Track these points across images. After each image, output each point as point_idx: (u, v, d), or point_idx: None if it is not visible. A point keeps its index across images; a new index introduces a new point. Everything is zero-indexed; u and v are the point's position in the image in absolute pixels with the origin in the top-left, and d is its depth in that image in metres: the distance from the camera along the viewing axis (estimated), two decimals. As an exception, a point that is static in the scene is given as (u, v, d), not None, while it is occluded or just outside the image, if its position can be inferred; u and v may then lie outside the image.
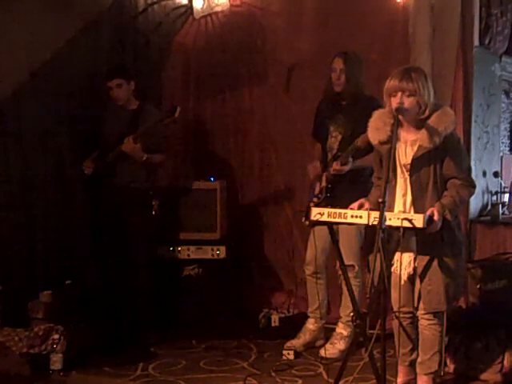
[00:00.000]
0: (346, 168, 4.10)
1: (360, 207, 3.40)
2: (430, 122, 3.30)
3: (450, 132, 3.31)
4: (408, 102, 3.27)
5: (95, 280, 4.81)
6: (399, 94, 3.27)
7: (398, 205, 3.41)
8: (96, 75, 4.94)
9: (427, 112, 3.30)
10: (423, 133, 3.30)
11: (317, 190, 4.27)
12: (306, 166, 4.51)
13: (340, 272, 4.26)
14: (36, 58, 4.61)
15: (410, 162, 3.36)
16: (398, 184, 3.42)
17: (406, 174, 3.39)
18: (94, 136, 4.81)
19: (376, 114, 3.45)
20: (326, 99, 4.40)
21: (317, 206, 4.06)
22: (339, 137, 4.29)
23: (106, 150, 4.67)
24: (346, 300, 4.35)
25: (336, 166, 4.12)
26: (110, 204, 4.68)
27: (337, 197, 4.08)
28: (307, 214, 4.13)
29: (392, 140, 3.21)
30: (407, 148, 3.38)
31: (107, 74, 4.68)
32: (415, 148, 3.35)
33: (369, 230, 3.29)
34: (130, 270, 4.65)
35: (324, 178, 4.22)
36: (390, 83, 3.30)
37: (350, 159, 4.08)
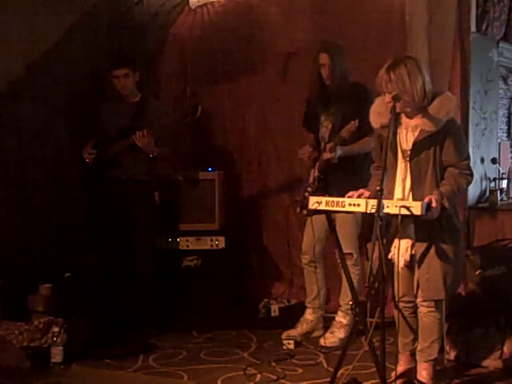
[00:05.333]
0: (335, 156, 4.10)
1: (359, 197, 3.38)
2: (432, 106, 3.30)
3: (451, 117, 3.31)
4: None
5: (95, 272, 4.81)
6: (386, 93, 3.29)
7: (398, 191, 3.40)
8: (92, 67, 4.94)
9: (416, 100, 3.28)
10: (425, 117, 3.30)
11: (310, 180, 4.27)
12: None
13: (339, 260, 4.29)
14: (32, 52, 4.60)
15: (410, 147, 3.36)
16: (398, 169, 3.42)
17: (407, 159, 3.38)
18: (90, 125, 4.79)
19: (378, 99, 3.46)
20: (315, 92, 4.38)
21: (309, 195, 4.08)
22: (330, 126, 4.29)
23: (108, 142, 4.66)
24: (345, 288, 4.35)
25: (326, 155, 4.12)
26: (113, 196, 4.67)
27: (329, 186, 4.08)
28: (302, 204, 4.16)
29: (390, 125, 3.21)
30: (408, 133, 3.38)
31: (115, 63, 4.66)
32: (416, 133, 3.34)
33: (367, 217, 3.28)
34: (132, 261, 4.65)
35: (316, 168, 4.22)
36: (377, 82, 3.33)
37: (338, 147, 4.09)
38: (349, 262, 3.97)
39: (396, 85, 3.25)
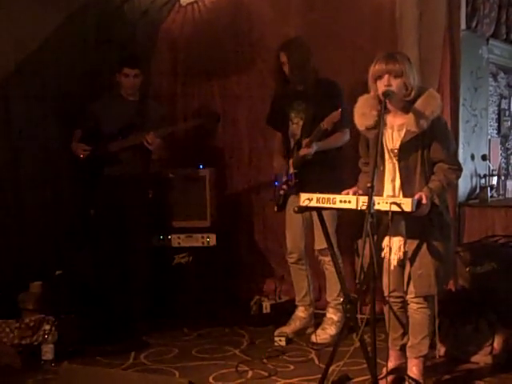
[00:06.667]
0: (312, 151, 4.12)
1: (354, 195, 3.38)
2: (417, 105, 3.29)
3: (437, 115, 3.31)
4: (395, 83, 3.27)
5: (86, 270, 4.80)
6: (386, 76, 3.27)
7: (387, 190, 3.41)
8: (83, 64, 4.93)
9: (412, 94, 3.30)
10: (410, 117, 3.30)
11: (284, 178, 4.29)
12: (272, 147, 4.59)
13: (320, 257, 4.31)
14: (22, 50, 4.59)
15: (397, 147, 3.36)
16: (386, 169, 3.42)
17: (394, 159, 3.39)
18: (78, 118, 4.78)
19: (361, 99, 3.44)
20: (280, 89, 4.40)
21: (288, 192, 4.13)
22: (301, 122, 4.31)
23: (107, 138, 4.66)
24: (330, 285, 4.38)
25: (303, 151, 4.13)
26: (108, 193, 4.67)
27: (305, 181, 4.10)
28: (278, 203, 4.21)
29: (379, 125, 3.21)
30: (394, 133, 3.38)
31: (129, 62, 4.68)
32: (402, 133, 3.35)
33: (357, 214, 3.28)
34: (125, 258, 4.65)
35: (291, 165, 4.23)
36: (376, 67, 3.30)
37: (314, 143, 4.11)
38: (328, 258, 4.00)
39: (403, 65, 3.25)
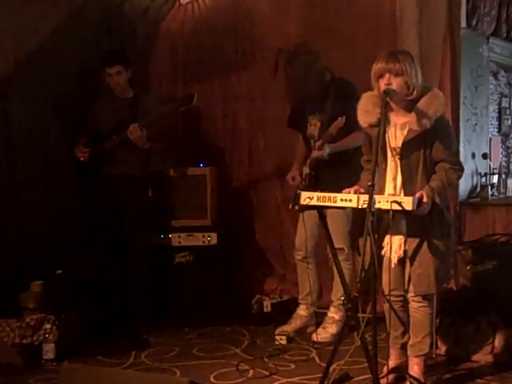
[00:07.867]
0: (325, 153, 4.12)
1: (355, 193, 3.38)
2: (420, 104, 3.29)
3: (440, 115, 3.31)
4: (396, 82, 3.26)
5: (87, 269, 4.80)
6: (387, 75, 3.27)
7: (389, 188, 3.41)
8: (83, 63, 4.93)
9: (415, 93, 3.29)
10: (413, 116, 3.30)
11: (302, 177, 4.29)
12: (294, 152, 4.58)
13: (331, 255, 4.30)
14: (22, 47, 4.58)
15: (400, 145, 3.36)
16: (388, 167, 3.42)
17: (396, 158, 3.38)
18: (81, 123, 4.79)
19: (364, 96, 3.44)
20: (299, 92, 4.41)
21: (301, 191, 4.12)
22: (318, 124, 4.32)
23: (103, 137, 4.66)
24: (336, 284, 4.36)
25: (315, 153, 4.14)
26: (107, 191, 4.66)
27: (321, 182, 4.09)
28: (294, 201, 4.18)
29: (384, 120, 3.21)
30: (397, 131, 3.38)
31: (108, 61, 4.65)
32: (405, 131, 3.34)
33: (358, 213, 3.28)
34: (125, 257, 4.65)
35: (307, 165, 4.24)
36: (377, 66, 3.30)
37: (326, 145, 4.11)
38: (340, 257, 3.98)
39: (404, 64, 3.24)
